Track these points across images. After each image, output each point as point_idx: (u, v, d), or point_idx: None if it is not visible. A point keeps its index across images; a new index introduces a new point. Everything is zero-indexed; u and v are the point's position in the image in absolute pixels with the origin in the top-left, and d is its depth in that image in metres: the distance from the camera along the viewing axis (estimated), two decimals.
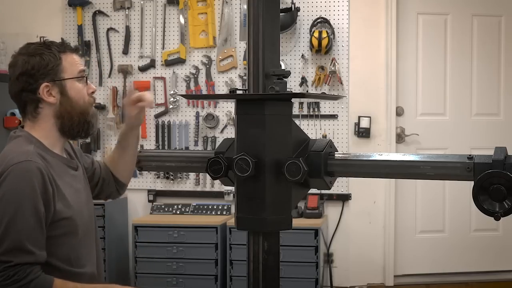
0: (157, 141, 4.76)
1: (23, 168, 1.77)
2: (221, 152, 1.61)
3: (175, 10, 4.73)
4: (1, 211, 1.75)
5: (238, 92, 1.62)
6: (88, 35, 4.82)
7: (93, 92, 1.99)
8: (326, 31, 4.45)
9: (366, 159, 1.44)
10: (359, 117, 4.56)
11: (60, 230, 1.84)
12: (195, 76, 4.70)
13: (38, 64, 1.87)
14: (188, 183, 4.77)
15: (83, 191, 2.01)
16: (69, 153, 2.05)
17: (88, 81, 1.98)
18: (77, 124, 1.92)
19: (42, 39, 2.01)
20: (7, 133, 4.32)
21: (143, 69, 4.77)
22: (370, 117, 4.55)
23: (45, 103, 1.89)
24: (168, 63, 4.73)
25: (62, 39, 1.98)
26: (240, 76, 4.64)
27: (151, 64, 4.77)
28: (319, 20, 4.51)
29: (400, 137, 4.66)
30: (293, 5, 4.43)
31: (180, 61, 4.72)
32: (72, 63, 1.93)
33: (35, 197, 1.76)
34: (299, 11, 4.49)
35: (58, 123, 1.91)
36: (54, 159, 1.91)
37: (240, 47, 4.65)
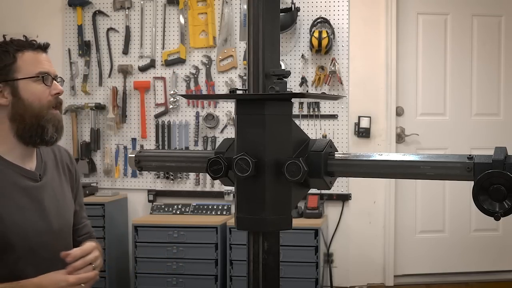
0: (157, 141, 4.76)
1: None
2: (221, 152, 1.61)
3: (175, 10, 4.73)
4: None
5: (238, 92, 1.61)
6: (88, 35, 4.82)
7: (57, 94, 1.80)
8: (326, 31, 4.45)
9: (366, 159, 1.44)
10: (359, 117, 4.55)
11: None
12: (195, 76, 4.70)
13: None
14: (188, 183, 4.77)
15: (40, 205, 1.81)
16: (44, 162, 1.88)
17: (55, 82, 1.80)
18: (29, 128, 1.76)
19: (4, 37, 1.85)
20: None
21: (143, 69, 4.77)
22: (370, 117, 4.55)
23: None
24: (168, 63, 4.73)
25: (24, 36, 1.85)
26: (240, 76, 4.64)
27: (151, 64, 4.77)
28: (319, 20, 4.51)
29: (400, 137, 4.66)
30: (293, 5, 4.43)
31: (180, 61, 4.72)
32: (31, 62, 1.78)
33: None
34: (299, 11, 4.49)
35: (14, 127, 1.77)
36: (2, 168, 1.77)
37: (240, 47, 4.65)
